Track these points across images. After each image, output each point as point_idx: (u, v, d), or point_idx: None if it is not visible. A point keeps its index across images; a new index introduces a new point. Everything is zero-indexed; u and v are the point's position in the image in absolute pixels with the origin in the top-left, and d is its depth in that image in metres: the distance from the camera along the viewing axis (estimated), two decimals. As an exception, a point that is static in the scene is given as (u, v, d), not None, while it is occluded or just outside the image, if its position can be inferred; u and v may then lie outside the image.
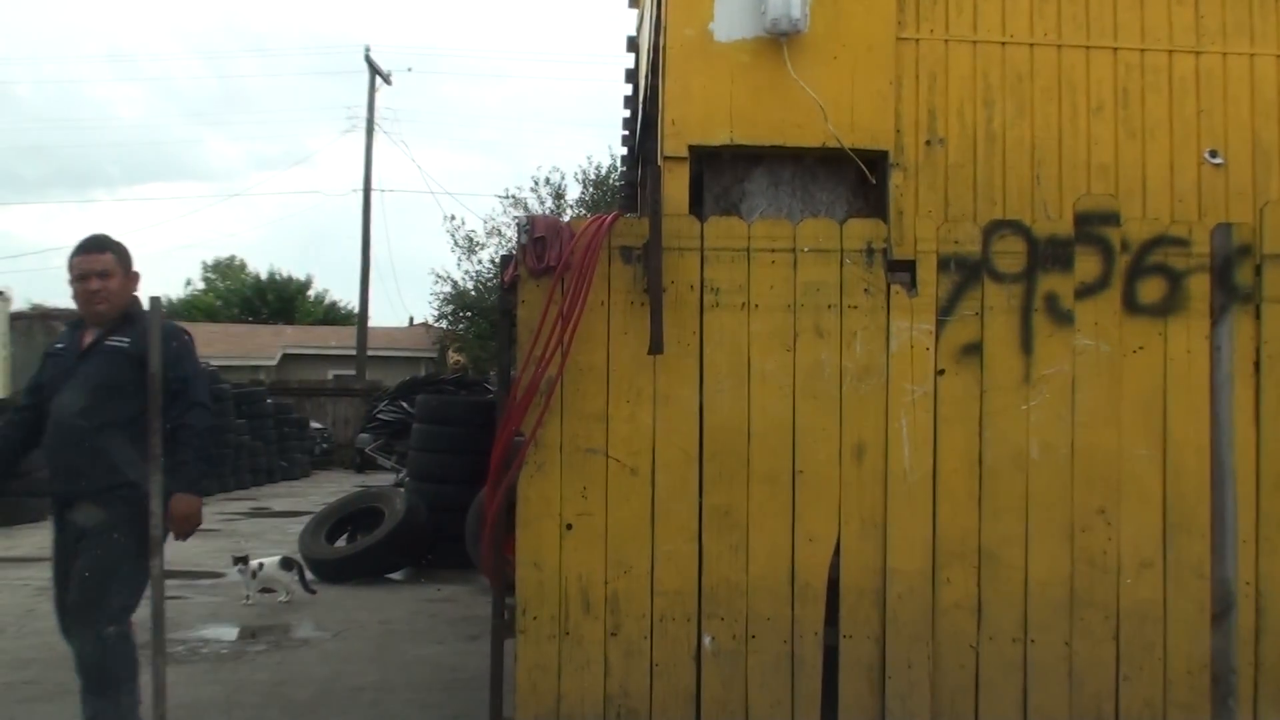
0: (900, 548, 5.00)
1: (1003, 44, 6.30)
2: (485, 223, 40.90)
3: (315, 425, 28.22)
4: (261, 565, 8.99)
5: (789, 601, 5.00)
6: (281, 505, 18.05)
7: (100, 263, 4.91)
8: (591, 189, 32.27)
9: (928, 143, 6.26)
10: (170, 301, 47.31)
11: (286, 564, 9.12)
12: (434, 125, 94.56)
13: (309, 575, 9.43)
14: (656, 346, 4.89)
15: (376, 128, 34.23)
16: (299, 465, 24.98)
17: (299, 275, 52.87)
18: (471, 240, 34.12)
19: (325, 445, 28.50)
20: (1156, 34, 6.36)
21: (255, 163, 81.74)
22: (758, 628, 4.99)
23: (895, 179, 6.19)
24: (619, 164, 19.93)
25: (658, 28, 6.71)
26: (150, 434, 4.72)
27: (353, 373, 34.13)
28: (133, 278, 5.04)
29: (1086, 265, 5.04)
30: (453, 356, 36.41)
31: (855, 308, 5.02)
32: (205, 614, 8.63)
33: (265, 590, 9.07)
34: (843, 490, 5.01)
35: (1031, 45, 6.31)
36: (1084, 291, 5.04)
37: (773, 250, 5.03)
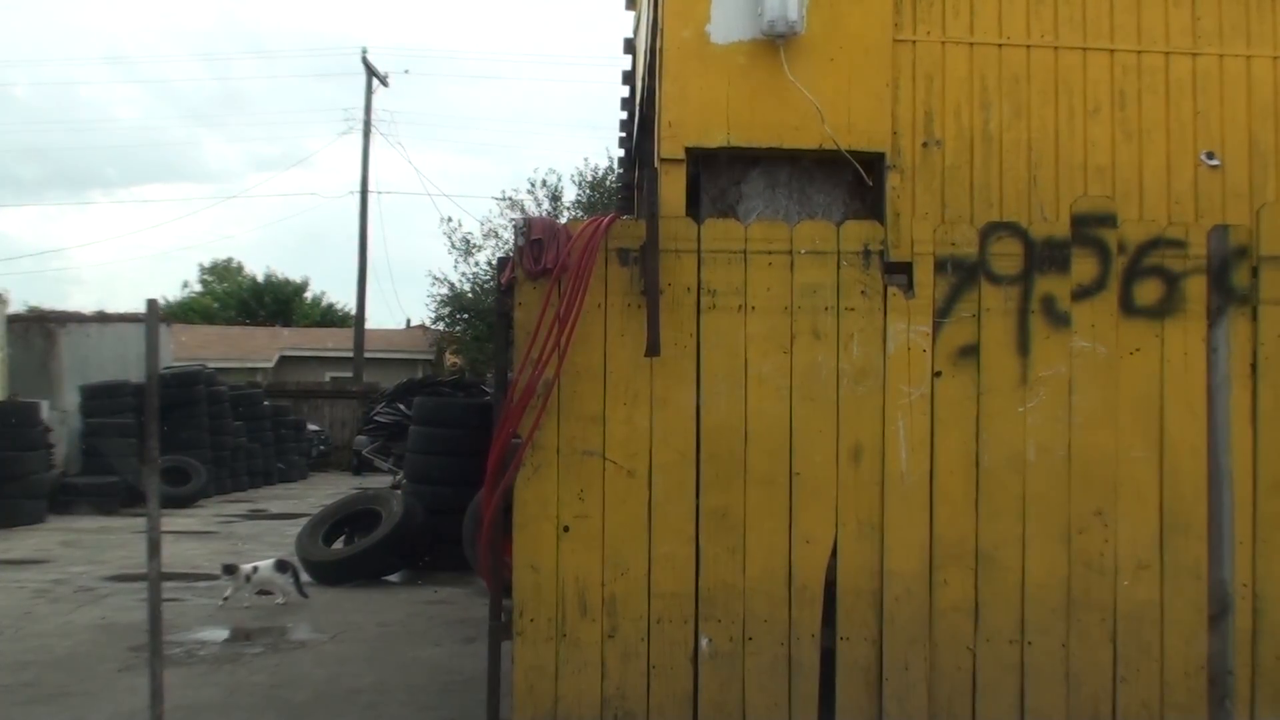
0: (897, 550, 5.00)
1: (999, 46, 6.30)
2: (482, 225, 40.98)
3: (312, 427, 28.22)
4: (256, 569, 8.99)
5: (786, 603, 5.00)
6: (279, 507, 18.04)
7: None
8: (588, 191, 32.30)
9: (924, 144, 6.26)
10: (167, 303, 47.29)
11: (281, 566, 9.13)
12: (431, 127, 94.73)
13: (304, 578, 9.42)
14: (653, 348, 4.89)
15: (373, 129, 34.26)
16: (296, 467, 24.99)
17: (296, 277, 52.97)
18: (468, 242, 34.19)
19: (322, 447, 28.50)
20: (1153, 36, 6.36)
21: (253, 164, 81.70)
22: (755, 630, 4.99)
23: (892, 181, 6.19)
24: (616, 166, 19.91)
25: (655, 30, 6.72)
26: (147, 436, 4.72)
27: (350, 375, 34.12)
28: None
29: (1083, 267, 5.04)
30: (450, 358, 36.41)
31: (852, 310, 5.03)
32: (202, 616, 8.62)
33: (262, 593, 9.07)
34: (840, 492, 5.01)
35: (1028, 47, 6.32)
36: (1081, 293, 5.04)
37: (769, 252, 5.03)
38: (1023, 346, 5.04)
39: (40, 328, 20.04)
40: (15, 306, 20.44)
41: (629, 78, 10.73)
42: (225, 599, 8.88)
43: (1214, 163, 6.33)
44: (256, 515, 16.95)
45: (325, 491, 20.17)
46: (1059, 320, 5.04)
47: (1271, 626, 5.00)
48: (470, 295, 33.77)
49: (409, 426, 13.22)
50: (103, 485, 17.09)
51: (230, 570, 8.95)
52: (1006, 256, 5.05)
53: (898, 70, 6.23)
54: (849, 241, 5.05)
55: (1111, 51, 6.35)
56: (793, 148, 6.13)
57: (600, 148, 38.73)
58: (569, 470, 4.99)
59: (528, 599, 4.97)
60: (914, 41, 6.26)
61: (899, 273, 5.09)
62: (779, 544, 5.01)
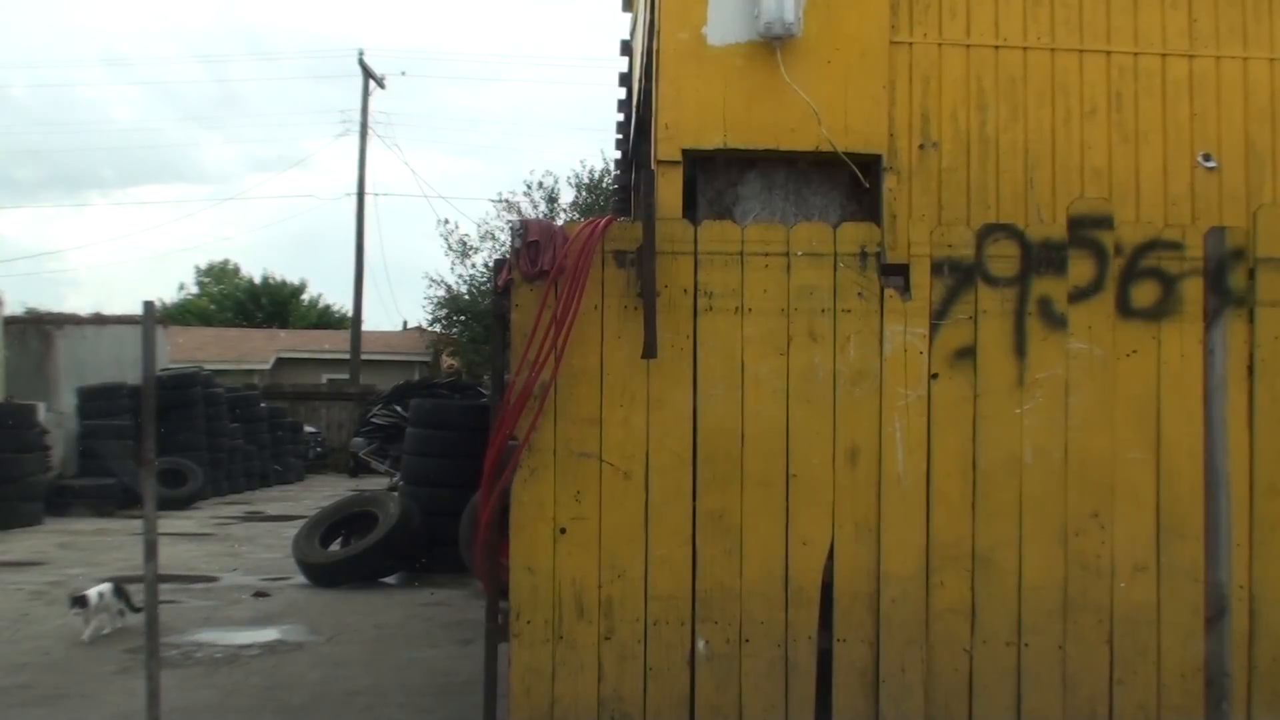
0: (894, 552, 5.00)
1: (996, 48, 6.30)
2: (479, 227, 40.98)
3: (309, 429, 28.20)
4: (102, 595, 8.19)
5: (783, 605, 5.00)
6: (275, 509, 18.02)
7: None
8: (585, 193, 32.29)
9: (921, 146, 6.26)
10: (164, 305, 47.25)
11: (117, 591, 8.35)
12: (428, 129, 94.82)
13: (134, 599, 8.37)
14: (650, 350, 4.89)
15: (370, 131, 34.21)
16: (293, 469, 24.97)
17: (293, 279, 52.88)
18: (465, 244, 34.16)
19: (319, 449, 28.48)
20: (1150, 38, 6.37)
21: (250, 166, 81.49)
22: (751, 632, 4.99)
23: (889, 183, 6.19)
24: (612, 168, 19.93)
25: (651, 32, 6.71)
26: (144, 438, 4.72)
27: (347, 377, 34.10)
28: None
29: (1080, 269, 5.05)
30: (446, 360, 36.40)
31: (849, 311, 5.03)
32: (199, 618, 8.61)
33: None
34: (836, 494, 5.01)
35: (1025, 49, 6.32)
36: (1077, 295, 5.05)
37: (766, 254, 5.03)
38: (1019, 348, 5.04)
39: (37, 330, 20.01)
40: (12, 308, 20.42)
41: (626, 80, 10.73)
42: (88, 636, 7.84)
43: (1210, 165, 6.34)
44: (253, 517, 16.93)
45: (322, 493, 20.16)
46: (1056, 322, 5.04)
47: (1268, 628, 5.00)
48: (467, 297, 33.75)
49: (406, 428, 13.21)
50: (99, 487, 17.06)
51: (81, 602, 7.93)
52: (1003, 258, 5.05)
53: (894, 72, 6.23)
54: (845, 243, 5.05)
55: (1108, 53, 6.35)
56: (789, 150, 6.14)
57: (597, 150, 38.83)
58: (566, 472, 4.99)
59: (524, 601, 4.97)
60: (910, 43, 6.26)
61: (895, 275, 5.09)
62: (776, 546, 5.01)
